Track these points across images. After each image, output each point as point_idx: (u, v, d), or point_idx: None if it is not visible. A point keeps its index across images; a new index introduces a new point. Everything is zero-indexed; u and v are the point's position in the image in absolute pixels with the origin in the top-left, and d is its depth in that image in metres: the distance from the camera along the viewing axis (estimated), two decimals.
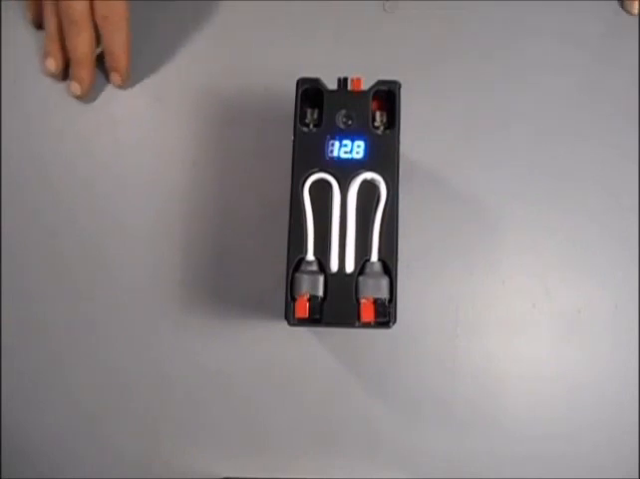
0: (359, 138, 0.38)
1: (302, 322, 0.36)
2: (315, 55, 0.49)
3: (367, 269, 0.37)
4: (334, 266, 0.37)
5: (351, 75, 0.39)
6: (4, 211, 0.47)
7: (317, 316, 0.36)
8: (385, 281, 0.36)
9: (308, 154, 0.38)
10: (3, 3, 0.51)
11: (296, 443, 0.45)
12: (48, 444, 0.45)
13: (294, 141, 0.38)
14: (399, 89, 0.38)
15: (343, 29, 0.50)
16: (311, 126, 0.38)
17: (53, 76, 0.49)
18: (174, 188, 0.48)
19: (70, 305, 0.46)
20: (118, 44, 0.47)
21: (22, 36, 0.50)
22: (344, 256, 0.37)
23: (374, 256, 0.37)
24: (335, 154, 0.38)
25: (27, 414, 0.45)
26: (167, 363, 0.46)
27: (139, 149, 0.49)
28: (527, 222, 0.47)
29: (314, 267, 0.37)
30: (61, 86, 0.49)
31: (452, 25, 0.50)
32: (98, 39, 0.48)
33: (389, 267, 0.37)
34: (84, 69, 0.48)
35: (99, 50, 0.49)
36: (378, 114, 0.39)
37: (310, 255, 0.37)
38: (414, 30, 0.50)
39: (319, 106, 0.38)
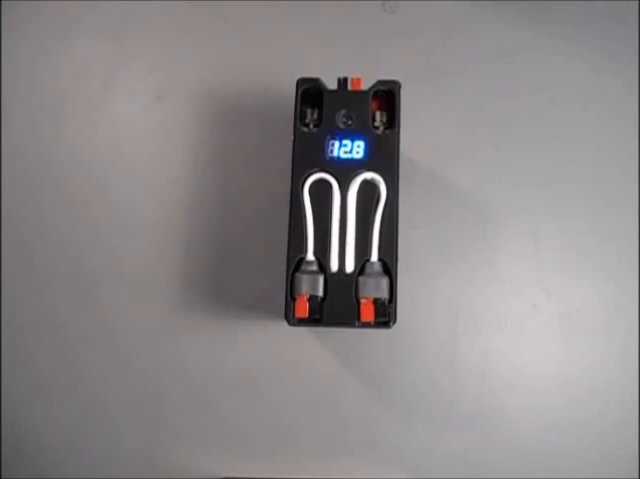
0: (359, 138, 0.38)
1: (302, 322, 0.36)
2: (315, 55, 0.49)
3: (367, 269, 0.37)
4: (334, 266, 0.37)
5: (351, 75, 0.39)
6: (6, 209, 0.47)
7: (317, 316, 0.36)
8: (385, 281, 0.36)
9: (308, 154, 0.38)
10: (3, 3, 0.51)
11: (296, 443, 0.45)
12: (48, 444, 0.45)
13: (294, 141, 0.38)
14: (399, 89, 0.38)
15: (343, 29, 0.50)
16: (311, 126, 0.38)
17: None
18: (175, 187, 0.48)
19: (70, 305, 0.46)
20: None
21: (23, 34, 0.50)
22: (344, 256, 0.37)
23: (374, 256, 0.37)
24: (335, 154, 0.38)
25: (27, 414, 0.45)
26: (167, 363, 0.46)
27: (139, 149, 0.49)
28: (527, 222, 0.47)
29: (314, 267, 0.37)
30: (61, 86, 0.49)
31: (451, 25, 0.50)
32: None
33: (389, 267, 0.37)
34: None
35: None
36: (378, 114, 0.39)
37: (310, 255, 0.37)
38: (414, 30, 0.50)
39: (319, 106, 0.38)
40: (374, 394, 0.45)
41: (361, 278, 0.36)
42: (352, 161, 0.38)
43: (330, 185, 0.37)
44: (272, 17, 0.50)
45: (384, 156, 0.38)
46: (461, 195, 0.47)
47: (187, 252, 0.47)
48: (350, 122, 0.38)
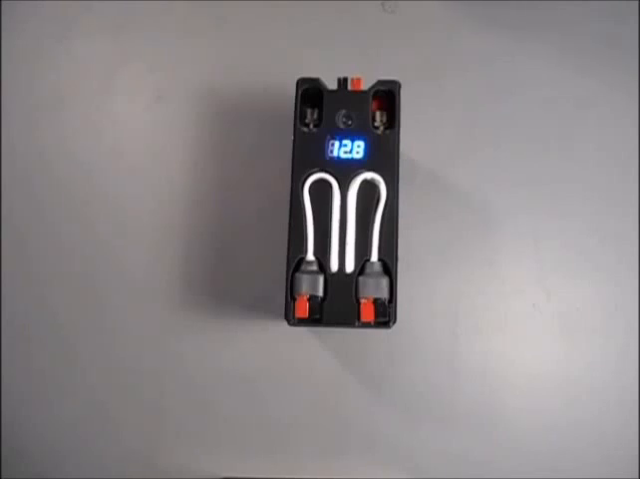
0: (359, 138, 0.38)
1: (302, 322, 0.36)
2: (315, 55, 0.49)
3: (367, 269, 0.37)
4: (334, 266, 0.37)
5: (351, 75, 0.39)
6: (6, 209, 0.47)
7: (317, 316, 0.36)
8: (385, 281, 0.36)
9: (308, 154, 0.38)
10: (3, 3, 0.51)
11: (296, 443, 0.45)
12: (48, 444, 0.45)
13: (294, 141, 0.38)
14: (399, 89, 0.38)
15: (343, 29, 0.50)
16: (311, 126, 0.38)
17: None
18: (175, 188, 0.48)
19: (70, 305, 0.46)
20: None
21: (23, 34, 0.50)
22: (344, 256, 0.37)
23: (374, 256, 0.37)
24: (335, 154, 0.38)
25: (27, 414, 0.45)
26: (168, 363, 0.46)
27: (139, 149, 0.49)
28: (527, 222, 0.47)
29: (314, 267, 0.37)
30: (61, 86, 0.49)
31: (452, 25, 0.50)
32: None
33: (389, 267, 0.37)
34: None
35: None
36: (378, 114, 0.39)
37: (310, 255, 0.37)
38: (414, 30, 0.50)
39: (319, 106, 0.38)
40: (374, 394, 0.45)
41: (361, 278, 0.36)
42: (352, 161, 0.38)
43: (330, 185, 0.37)
44: (272, 17, 0.50)
45: (384, 156, 0.38)
46: (461, 195, 0.47)
47: (187, 252, 0.47)
48: (350, 122, 0.38)
